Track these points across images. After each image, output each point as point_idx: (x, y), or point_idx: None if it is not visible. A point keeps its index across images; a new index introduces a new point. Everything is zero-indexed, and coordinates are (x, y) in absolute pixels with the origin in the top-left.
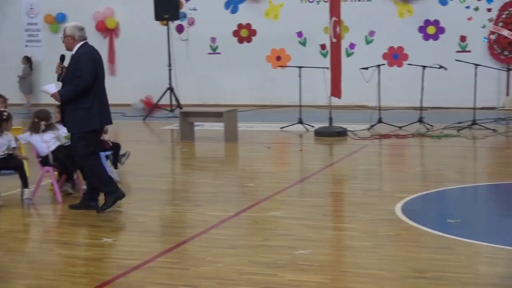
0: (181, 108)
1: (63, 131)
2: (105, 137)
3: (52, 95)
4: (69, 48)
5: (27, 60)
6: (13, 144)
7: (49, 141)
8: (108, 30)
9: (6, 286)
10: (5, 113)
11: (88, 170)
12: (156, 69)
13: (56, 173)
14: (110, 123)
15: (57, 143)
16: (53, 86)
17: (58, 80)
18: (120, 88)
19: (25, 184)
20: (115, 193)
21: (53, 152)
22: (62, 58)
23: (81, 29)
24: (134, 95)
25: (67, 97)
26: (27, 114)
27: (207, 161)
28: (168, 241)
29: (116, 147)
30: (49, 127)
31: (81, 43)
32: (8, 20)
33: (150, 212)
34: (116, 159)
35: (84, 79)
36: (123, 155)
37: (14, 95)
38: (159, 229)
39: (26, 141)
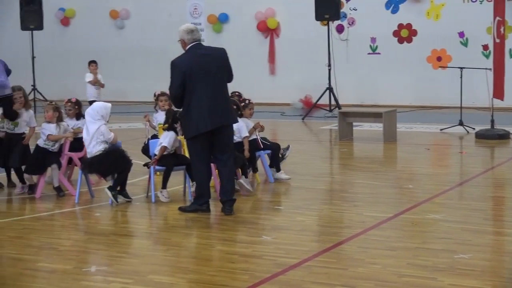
0: (340, 108)
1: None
2: (259, 136)
3: None
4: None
5: None
6: (178, 143)
7: None
8: (269, 30)
9: (168, 279)
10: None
11: (193, 173)
12: (315, 69)
13: (217, 170)
14: (209, 128)
15: None
16: None
17: None
18: (279, 88)
19: (192, 179)
20: (200, 205)
21: None
22: None
23: (190, 31)
24: (293, 95)
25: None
26: None
27: (365, 162)
28: (326, 241)
29: (272, 148)
30: None
31: (190, 45)
32: (174, 19)
33: (309, 211)
34: (274, 160)
35: (169, 91)
36: (286, 148)
37: None
38: (317, 228)
39: None
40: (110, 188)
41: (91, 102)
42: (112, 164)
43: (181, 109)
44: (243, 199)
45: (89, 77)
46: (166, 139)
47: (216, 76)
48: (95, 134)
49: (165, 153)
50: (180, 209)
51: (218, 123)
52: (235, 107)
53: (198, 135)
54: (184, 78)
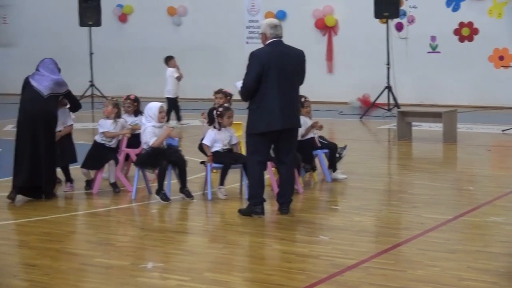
0: (398, 108)
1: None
2: (317, 135)
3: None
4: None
5: None
6: (234, 141)
7: None
8: (327, 28)
9: (224, 277)
10: (220, 109)
11: (247, 171)
12: (374, 68)
13: (273, 168)
14: (279, 127)
15: None
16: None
17: None
18: (337, 86)
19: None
20: (253, 206)
21: None
22: None
23: (274, 26)
24: (351, 93)
25: (240, 96)
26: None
27: (424, 162)
28: (384, 242)
29: (330, 148)
30: None
31: (271, 40)
32: (232, 16)
33: (366, 211)
34: (332, 160)
35: (244, 81)
36: (343, 147)
37: (236, 91)
38: (375, 229)
39: None
40: (156, 192)
41: (169, 99)
42: (149, 158)
43: (249, 103)
44: (300, 199)
45: (172, 72)
46: (207, 136)
47: (291, 76)
48: (143, 134)
49: (220, 150)
50: (239, 211)
51: (288, 124)
52: None
53: (266, 133)
54: (262, 71)
